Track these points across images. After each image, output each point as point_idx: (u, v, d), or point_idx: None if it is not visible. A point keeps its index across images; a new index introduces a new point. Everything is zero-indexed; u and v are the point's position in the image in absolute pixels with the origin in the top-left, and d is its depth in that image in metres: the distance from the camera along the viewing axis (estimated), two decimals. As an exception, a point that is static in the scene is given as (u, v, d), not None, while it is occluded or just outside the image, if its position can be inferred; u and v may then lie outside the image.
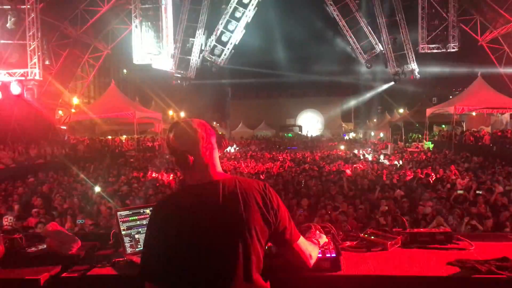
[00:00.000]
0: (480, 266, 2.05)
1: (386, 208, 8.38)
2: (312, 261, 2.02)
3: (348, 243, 2.52)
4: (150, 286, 1.79)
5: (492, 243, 2.54)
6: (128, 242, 2.46)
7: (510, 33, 19.25)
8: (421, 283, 2.08)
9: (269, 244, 2.11)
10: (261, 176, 13.22)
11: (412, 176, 13.24)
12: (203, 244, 1.75)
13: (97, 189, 10.56)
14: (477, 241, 2.53)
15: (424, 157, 19.90)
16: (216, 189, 1.82)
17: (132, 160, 20.67)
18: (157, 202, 2.04)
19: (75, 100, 23.89)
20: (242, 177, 1.94)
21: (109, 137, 28.80)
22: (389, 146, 29.13)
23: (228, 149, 24.08)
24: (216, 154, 1.92)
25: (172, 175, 14.50)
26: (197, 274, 1.74)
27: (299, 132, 50.42)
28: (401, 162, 18.29)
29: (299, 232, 1.98)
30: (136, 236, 2.50)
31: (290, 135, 51.30)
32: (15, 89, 17.74)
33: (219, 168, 1.91)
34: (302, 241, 1.98)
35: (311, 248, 2.04)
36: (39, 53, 17.66)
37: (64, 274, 2.23)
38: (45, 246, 2.53)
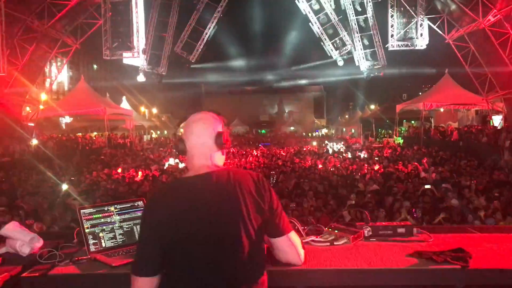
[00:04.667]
0: (436, 257, 2.12)
1: (353, 202, 8.54)
2: (302, 258, 2.02)
3: (311, 237, 2.56)
4: (144, 281, 1.78)
5: (451, 235, 2.63)
6: (92, 240, 2.44)
7: (475, 32, 19.78)
8: (382, 275, 2.14)
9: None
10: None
11: (382, 171, 13.52)
12: (199, 235, 1.76)
13: (65, 186, 10.33)
14: (436, 233, 2.62)
15: (390, 151, 20.35)
16: (210, 180, 1.83)
17: (103, 157, 20.31)
18: (152, 194, 2.04)
19: (43, 96, 23.22)
20: (235, 168, 1.95)
21: (79, 134, 28.20)
22: (360, 141, 29.61)
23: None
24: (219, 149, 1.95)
25: (141, 172, 14.32)
26: (195, 265, 1.75)
27: (272, 129, 50.66)
28: (372, 157, 18.61)
29: (291, 226, 2.00)
30: (100, 234, 2.47)
31: (263, 131, 51.47)
32: (-21, 85, 17.13)
33: (215, 161, 1.93)
34: (294, 235, 1.99)
35: (300, 244, 2.04)
36: (3, 48, 17.08)
37: (24, 274, 2.18)
38: (5, 246, 2.47)
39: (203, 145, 1.92)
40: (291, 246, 1.97)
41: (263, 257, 1.88)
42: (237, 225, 1.78)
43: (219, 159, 1.96)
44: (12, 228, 2.46)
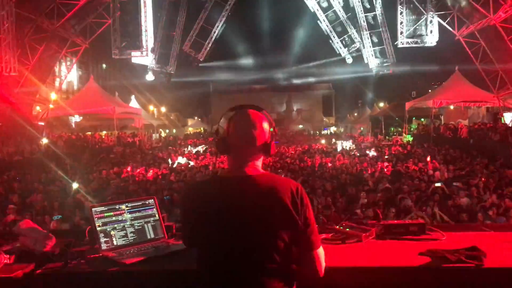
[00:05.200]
0: (450, 255, 2.10)
1: (366, 201, 8.50)
2: (323, 272, 1.96)
3: (323, 235, 2.54)
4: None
5: (463, 233, 2.60)
6: (103, 238, 2.44)
7: (486, 28, 19.61)
8: (393, 273, 2.12)
9: None
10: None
11: (392, 170, 13.44)
12: (227, 237, 1.77)
13: (75, 185, 10.41)
14: (449, 232, 2.59)
15: (400, 149, 20.22)
16: (248, 184, 1.81)
17: (112, 156, 20.43)
18: (187, 187, 2.08)
19: (53, 96, 23.41)
20: (274, 174, 1.93)
21: (89, 133, 28.39)
22: (369, 139, 29.47)
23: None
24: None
25: (151, 170, 14.39)
26: (219, 265, 1.79)
27: (281, 127, 50.58)
28: (381, 156, 18.52)
29: (320, 242, 1.95)
30: (112, 232, 2.48)
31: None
32: (-10, 85, 17.31)
33: (256, 165, 1.90)
34: (321, 251, 1.94)
35: (323, 257, 1.98)
36: (14, 47, 17.25)
37: (37, 272, 2.20)
38: (18, 244, 2.49)
39: (248, 151, 1.87)
40: (316, 261, 1.92)
41: (291, 268, 1.86)
42: (266, 234, 1.77)
43: (261, 162, 1.93)
44: (25, 226, 2.49)
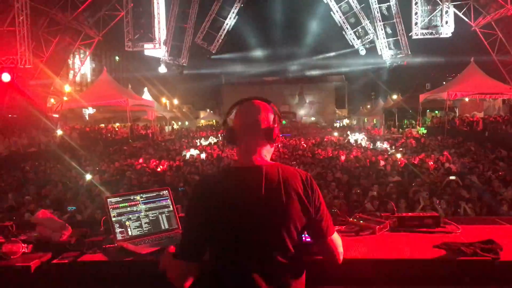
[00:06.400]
0: (466, 248, 2.08)
1: (375, 193, 8.46)
2: (341, 257, 1.99)
3: (337, 227, 2.54)
4: (186, 264, 1.83)
5: (479, 226, 2.57)
6: (118, 229, 2.47)
7: (503, 18, 19.24)
8: (408, 266, 2.11)
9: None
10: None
11: (405, 162, 13.32)
12: (241, 228, 1.77)
13: (88, 176, 10.54)
14: (464, 225, 2.56)
15: (414, 143, 20.02)
16: (259, 174, 1.82)
17: (125, 147, 20.61)
18: (201, 178, 2.07)
19: (67, 88, 23.65)
20: (284, 164, 1.94)
21: (102, 125, 28.65)
22: (382, 132, 29.25)
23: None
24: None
25: (166, 162, 14.47)
26: (234, 256, 1.78)
27: (293, 119, 50.38)
28: (394, 148, 18.38)
29: (334, 228, 1.97)
30: (127, 222, 2.51)
31: (284, 122, 51.30)
32: (5, 77, 17.53)
33: (264, 155, 1.92)
34: (336, 236, 1.96)
35: (341, 243, 2.02)
36: (28, 40, 17.43)
37: (54, 261, 2.24)
38: (35, 233, 2.54)
39: (253, 137, 1.90)
40: (333, 247, 1.95)
41: (302, 258, 1.88)
42: (280, 223, 1.78)
43: (268, 152, 1.94)
44: (42, 216, 2.53)
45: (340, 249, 1.98)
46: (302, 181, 1.84)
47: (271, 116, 1.93)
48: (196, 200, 1.87)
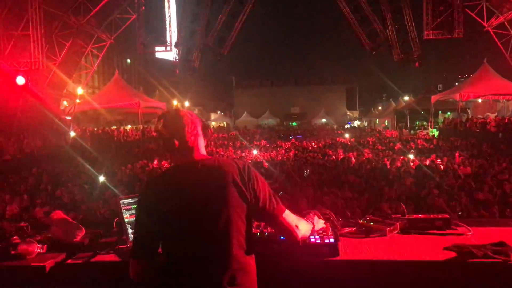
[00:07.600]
0: (476, 250, 2.07)
1: (389, 195, 8.39)
2: (300, 233, 2.04)
3: (347, 229, 2.55)
4: (139, 262, 1.90)
5: (490, 229, 2.56)
6: (131, 229, 2.51)
7: (516, 18, 19.04)
8: (418, 267, 2.11)
9: (266, 230, 2.24)
10: (265, 164, 13.24)
11: (417, 164, 13.21)
12: (187, 218, 1.86)
13: (102, 178, 10.62)
14: (475, 227, 2.55)
15: (426, 145, 19.85)
16: (196, 167, 1.93)
17: (137, 149, 20.75)
18: (147, 179, 2.15)
19: (80, 91, 23.89)
20: (221, 157, 2.03)
21: (114, 127, 28.88)
22: (394, 133, 29.05)
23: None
24: (201, 140, 2.04)
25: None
26: (183, 247, 1.86)
27: (304, 120, 50.30)
28: (406, 150, 18.24)
29: (284, 207, 2.02)
30: (139, 223, 2.54)
31: (294, 124, 51.25)
32: (20, 80, 17.77)
33: (203, 151, 2.03)
34: (287, 214, 2.02)
35: (298, 221, 2.08)
36: (42, 44, 17.67)
37: (69, 261, 2.28)
38: (50, 234, 2.58)
39: (189, 137, 1.98)
40: (286, 224, 2.00)
41: (248, 241, 1.92)
42: (219, 209, 1.85)
43: (202, 146, 2.04)
44: (56, 217, 2.57)
45: (294, 224, 2.03)
46: (239, 169, 1.94)
47: (194, 117, 2.05)
48: (142, 199, 1.97)
